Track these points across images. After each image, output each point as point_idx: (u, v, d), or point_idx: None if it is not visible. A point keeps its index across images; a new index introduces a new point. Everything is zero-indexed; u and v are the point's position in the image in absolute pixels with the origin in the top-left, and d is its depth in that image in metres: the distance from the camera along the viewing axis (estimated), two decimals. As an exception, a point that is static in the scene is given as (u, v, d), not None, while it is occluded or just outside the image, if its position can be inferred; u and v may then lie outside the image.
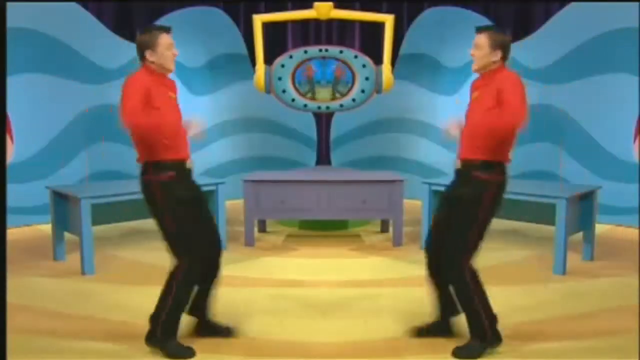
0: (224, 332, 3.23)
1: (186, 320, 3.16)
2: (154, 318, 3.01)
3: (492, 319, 2.98)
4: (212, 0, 7.79)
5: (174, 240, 2.93)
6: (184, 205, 2.92)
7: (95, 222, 4.56)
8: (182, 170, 2.94)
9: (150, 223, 5.73)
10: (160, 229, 2.95)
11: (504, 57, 2.93)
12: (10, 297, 3.64)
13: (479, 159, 2.89)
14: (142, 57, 2.92)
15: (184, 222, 2.92)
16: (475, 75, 3.07)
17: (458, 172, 2.99)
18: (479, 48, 2.92)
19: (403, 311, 3.55)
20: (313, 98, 5.81)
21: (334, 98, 5.81)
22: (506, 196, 4.65)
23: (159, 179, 2.87)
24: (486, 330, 2.95)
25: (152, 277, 4.32)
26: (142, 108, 2.73)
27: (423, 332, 3.23)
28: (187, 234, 2.93)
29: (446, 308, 3.16)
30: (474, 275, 2.94)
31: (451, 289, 3.03)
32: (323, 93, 5.82)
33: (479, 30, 2.96)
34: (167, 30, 2.97)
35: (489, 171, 2.87)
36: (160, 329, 2.98)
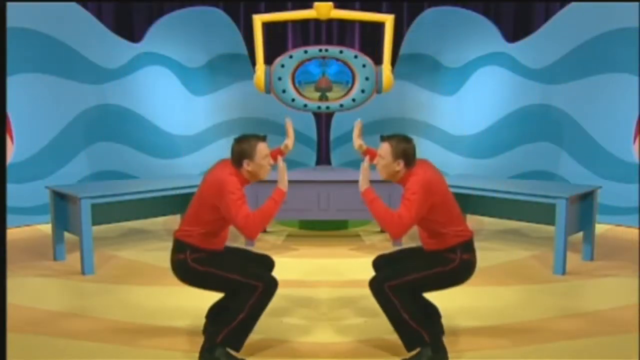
0: None
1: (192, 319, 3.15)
2: (211, 332, 2.99)
3: (437, 332, 2.99)
4: (212, 0, 7.79)
5: (238, 277, 2.94)
6: (223, 259, 3.03)
7: (95, 222, 4.57)
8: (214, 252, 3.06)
9: (150, 223, 5.80)
10: (217, 285, 3.00)
11: (407, 164, 2.96)
12: (10, 297, 3.65)
13: (438, 249, 2.97)
14: (239, 165, 2.99)
15: (233, 264, 3.02)
16: None
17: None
18: (381, 157, 2.99)
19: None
20: (326, 99, 5.81)
21: (343, 96, 5.80)
22: (507, 196, 4.72)
23: (194, 257, 2.96)
24: (427, 338, 2.90)
25: (152, 277, 4.35)
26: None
27: None
28: (243, 267, 3.02)
29: (425, 307, 3.19)
30: (399, 291, 2.92)
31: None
32: (333, 93, 5.84)
33: (382, 138, 3.03)
34: (264, 139, 3.07)
35: (452, 253, 2.94)
36: (223, 337, 2.91)
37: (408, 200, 2.85)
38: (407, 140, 3.00)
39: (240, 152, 2.97)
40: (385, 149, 2.98)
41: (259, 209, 2.93)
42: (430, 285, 2.99)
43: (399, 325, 2.93)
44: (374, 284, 2.97)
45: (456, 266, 2.93)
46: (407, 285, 2.92)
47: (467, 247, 2.97)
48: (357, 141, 3.29)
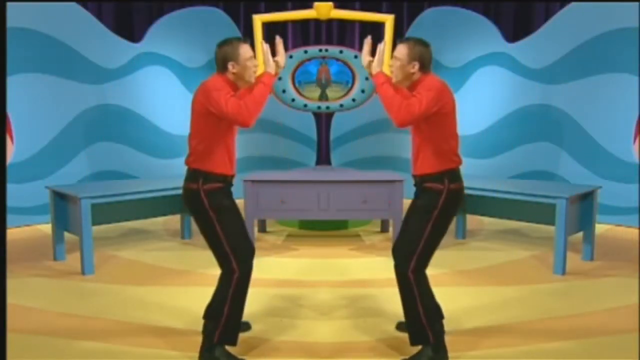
0: (243, 327, 3.27)
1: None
2: (209, 331, 2.97)
3: (438, 332, 2.96)
4: (212, 0, 7.80)
5: (227, 246, 2.90)
6: (229, 212, 2.96)
7: (95, 222, 4.57)
8: (228, 184, 2.99)
9: (150, 223, 5.80)
10: (210, 236, 2.93)
11: (423, 68, 2.91)
12: (10, 297, 3.66)
13: (427, 173, 2.92)
14: (224, 69, 2.93)
15: (233, 228, 2.94)
16: None
17: (415, 186, 3.04)
18: (396, 59, 2.92)
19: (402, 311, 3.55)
20: (327, 99, 5.82)
21: (343, 96, 5.81)
22: (507, 196, 4.72)
23: (206, 189, 2.90)
24: (432, 338, 2.91)
25: (152, 277, 4.35)
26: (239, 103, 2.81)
27: (402, 327, 3.23)
28: (237, 238, 2.94)
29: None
30: (422, 282, 2.91)
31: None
32: (333, 93, 5.84)
33: (400, 40, 2.97)
34: (246, 41, 3.00)
35: (439, 182, 2.89)
36: (218, 337, 2.92)
37: (421, 93, 2.79)
38: (425, 43, 2.95)
39: (224, 56, 2.91)
40: (401, 50, 2.90)
41: (249, 94, 2.86)
42: (437, 237, 2.92)
43: (412, 318, 2.93)
44: (399, 276, 2.93)
45: (446, 198, 2.87)
46: (423, 258, 2.89)
47: (455, 175, 2.93)
48: (367, 58, 3.19)
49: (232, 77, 2.93)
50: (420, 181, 2.95)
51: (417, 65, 2.89)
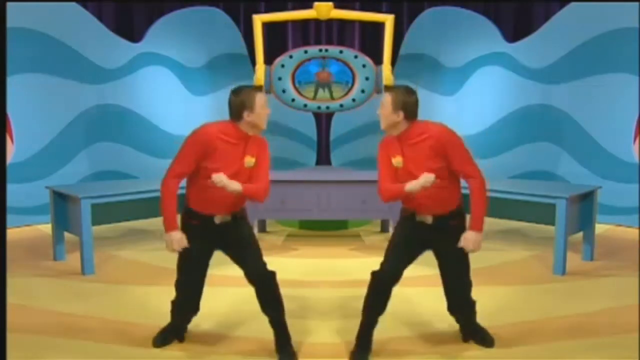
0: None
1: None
2: None
3: None
4: (212, 0, 7.79)
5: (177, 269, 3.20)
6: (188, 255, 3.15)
7: (95, 222, 4.57)
8: (205, 222, 3.11)
9: (150, 223, 5.79)
10: None
11: (408, 117, 2.93)
12: (10, 297, 3.65)
13: (453, 209, 3.01)
14: (239, 117, 2.98)
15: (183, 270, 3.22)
16: None
17: (435, 224, 2.99)
18: (382, 107, 2.97)
19: (402, 311, 3.55)
20: (332, 98, 5.82)
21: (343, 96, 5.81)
22: (507, 196, 4.72)
23: (182, 218, 3.16)
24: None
25: (152, 277, 4.35)
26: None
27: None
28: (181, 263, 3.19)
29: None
30: None
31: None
32: (334, 93, 5.85)
33: (386, 89, 3.04)
34: (261, 89, 3.16)
35: (459, 218, 3.01)
36: None
37: (468, 158, 2.96)
38: (410, 92, 2.97)
39: (241, 104, 2.95)
40: (386, 98, 2.96)
41: (165, 198, 3.05)
42: None
43: (475, 324, 3.19)
44: (472, 305, 3.13)
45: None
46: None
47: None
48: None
49: (245, 126, 2.99)
50: (446, 219, 2.98)
51: (401, 115, 2.92)
